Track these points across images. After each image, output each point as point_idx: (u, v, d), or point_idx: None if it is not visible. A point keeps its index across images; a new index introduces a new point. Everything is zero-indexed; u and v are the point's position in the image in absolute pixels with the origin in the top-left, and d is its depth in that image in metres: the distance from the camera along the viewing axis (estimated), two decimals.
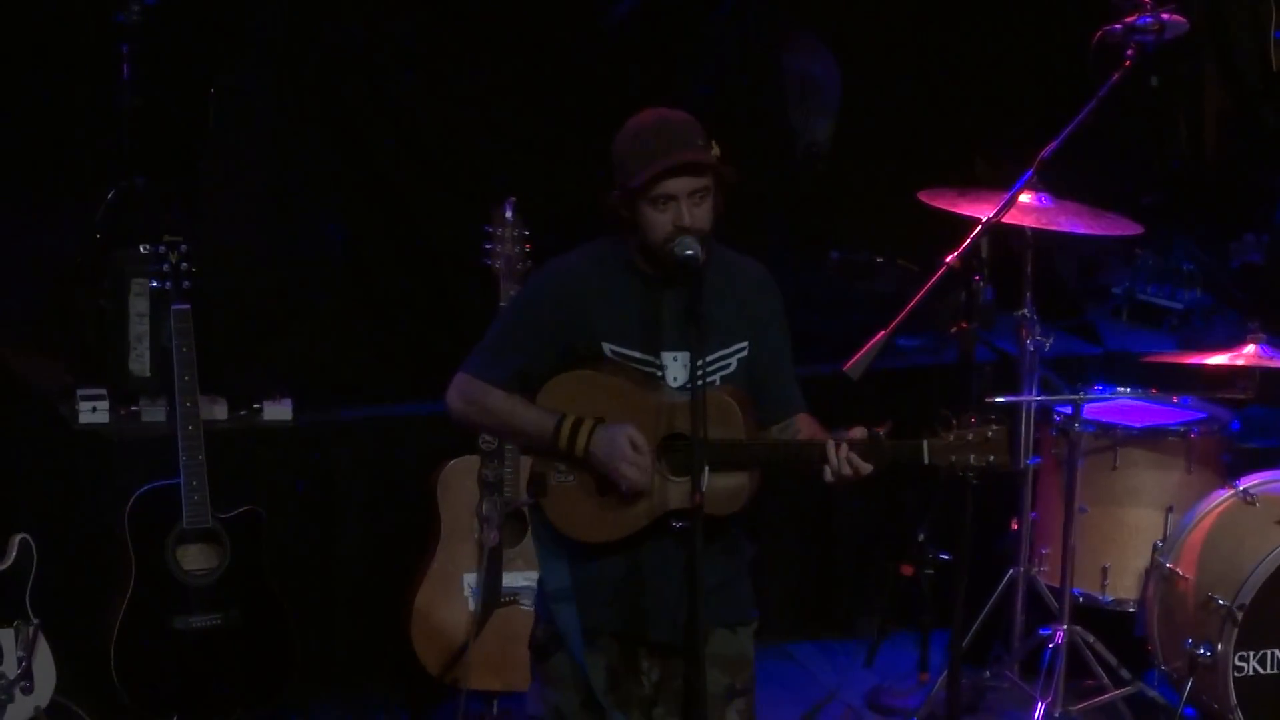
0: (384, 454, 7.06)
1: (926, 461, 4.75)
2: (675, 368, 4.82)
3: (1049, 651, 6.80)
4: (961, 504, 5.12)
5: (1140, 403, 7.07)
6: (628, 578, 4.85)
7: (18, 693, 6.19)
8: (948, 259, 5.55)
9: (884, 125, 8.42)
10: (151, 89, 7.48)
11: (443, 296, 7.41)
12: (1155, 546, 6.79)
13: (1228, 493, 6.68)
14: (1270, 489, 6.65)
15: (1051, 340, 6.80)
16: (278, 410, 6.99)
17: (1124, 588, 6.92)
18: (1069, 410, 6.80)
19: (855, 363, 5.35)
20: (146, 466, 6.56)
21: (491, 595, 6.58)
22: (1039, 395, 6.78)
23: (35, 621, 6.21)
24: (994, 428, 4.76)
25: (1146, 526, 6.89)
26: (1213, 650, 6.41)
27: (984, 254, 5.59)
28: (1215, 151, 8.88)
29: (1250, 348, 6.76)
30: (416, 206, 7.51)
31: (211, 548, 6.44)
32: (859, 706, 7.07)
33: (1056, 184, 6.80)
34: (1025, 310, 6.78)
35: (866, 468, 4.71)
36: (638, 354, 4.81)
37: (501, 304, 6.41)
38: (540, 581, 4.98)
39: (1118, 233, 7.00)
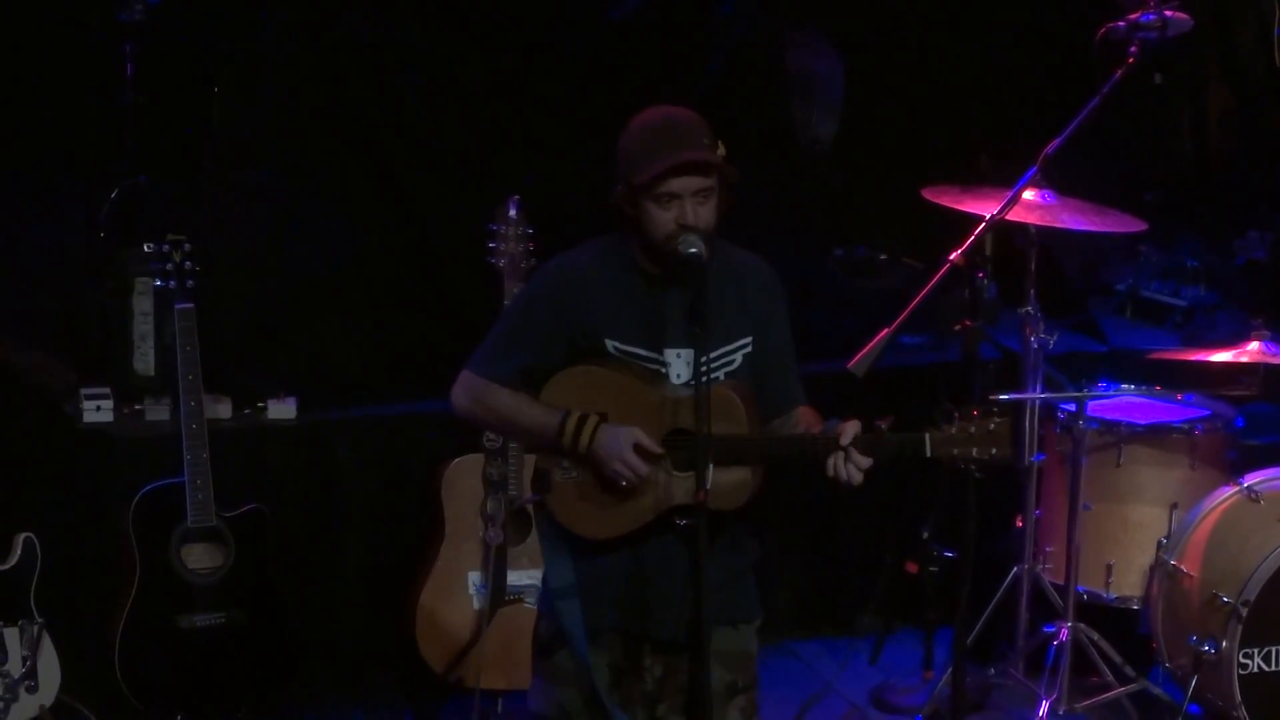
0: (388, 452, 7.06)
1: (929, 454, 4.76)
2: (679, 364, 4.82)
3: (1053, 649, 6.81)
4: (965, 501, 5.11)
5: (1144, 400, 7.08)
6: (632, 575, 4.85)
7: (22, 692, 6.19)
8: (951, 256, 5.54)
9: (887, 122, 8.41)
10: (155, 87, 7.49)
11: (447, 295, 7.41)
12: (1160, 544, 6.79)
13: (1232, 490, 6.68)
14: (1275, 486, 6.65)
15: (1055, 337, 6.81)
16: (282, 409, 6.99)
17: (1128, 585, 6.92)
18: (1073, 407, 6.80)
19: (859, 360, 5.34)
20: (150, 465, 6.57)
21: (496, 593, 6.58)
22: (1043, 392, 6.78)
23: (40, 620, 6.21)
24: (996, 421, 4.77)
25: (1151, 523, 6.88)
26: (1217, 647, 6.41)
27: (988, 251, 5.58)
28: (1219, 148, 8.87)
29: (1254, 344, 6.76)
30: (421, 204, 7.51)
31: (216, 546, 6.44)
32: (864, 704, 7.07)
33: (1060, 181, 6.80)
34: (1029, 307, 6.78)
35: (866, 462, 4.71)
36: (641, 350, 4.82)
37: (506, 302, 6.42)
38: (544, 578, 4.98)
39: (1121, 230, 7.00)
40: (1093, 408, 6.84)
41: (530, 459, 6.22)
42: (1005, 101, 8.62)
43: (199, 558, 6.43)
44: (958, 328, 5.35)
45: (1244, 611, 6.37)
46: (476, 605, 6.59)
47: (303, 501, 6.94)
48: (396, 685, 6.96)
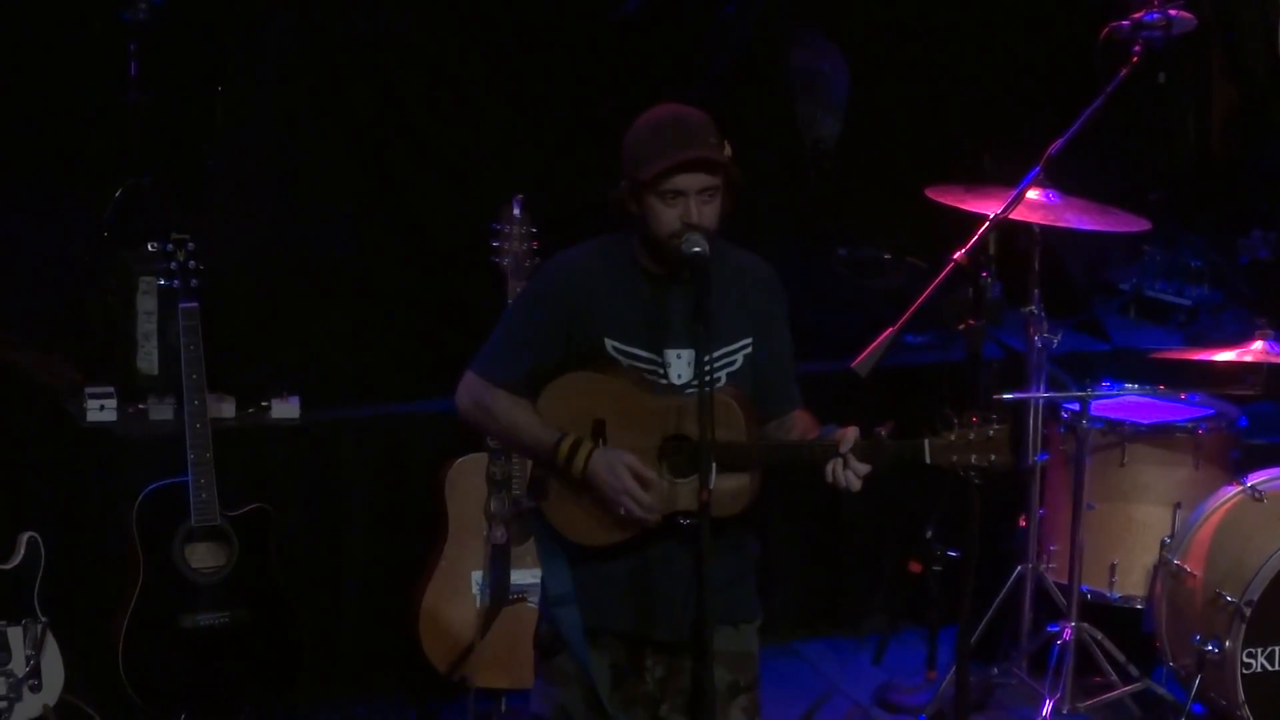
0: (392, 452, 7.06)
1: (928, 461, 4.75)
2: (679, 365, 4.81)
3: (1057, 648, 6.80)
4: (968, 501, 5.11)
5: (1148, 399, 7.07)
6: (632, 577, 4.84)
7: (26, 691, 6.20)
8: (955, 255, 5.53)
9: (891, 122, 8.41)
10: (159, 87, 7.49)
11: (450, 294, 7.41)
12: (1163, 543, 6.79)
13: (1235, 489, 6.67)
14: (1278, 485, 6.65)
15: (1059, 337, 6.81)
16: (285, 408, 6.99)
17: (1132, 584, 6.92)
18: (1076, 407, 6.80)
19: (863, 360, 5.34)
20: (154, 464, 6.57)
21: (499, 593, 6.58)
22: (1046, 392, 6.78)
23: (43, 619, 6.21)
24: (995, 427, 4.76)
25: (1154, 523, 6.88)
26: (1221, 646, 6.41)
27: (991, 250, 5.58)
28: (1223, 148, 8.87)
29: (1258, 344, 6.76)
30: (424, 204, 7.51)
31: (219, 546, 6.44)
32: (867, 704, 7.07)
33: (1064, 180, 6.80)
34: (1033, 307, 6.78)
35: (864, 469, 4.71)
36: (640, 351, 4.80)
37: (509, 301, 6.42)
38: (542, 585, 4.97)
39: (1125, 229, 7.00)
40: (1096, 407, 6.84)
41: None
42: (1009, 101, 8.62)
43: (202, 557, 6.43)
44: (961, 327, 5.34)
45: (1247, 611, 6.37)
46: (480, 605, 6.59)
47: (306, 501, 6.95)
48: (400, 684, 6.96)
